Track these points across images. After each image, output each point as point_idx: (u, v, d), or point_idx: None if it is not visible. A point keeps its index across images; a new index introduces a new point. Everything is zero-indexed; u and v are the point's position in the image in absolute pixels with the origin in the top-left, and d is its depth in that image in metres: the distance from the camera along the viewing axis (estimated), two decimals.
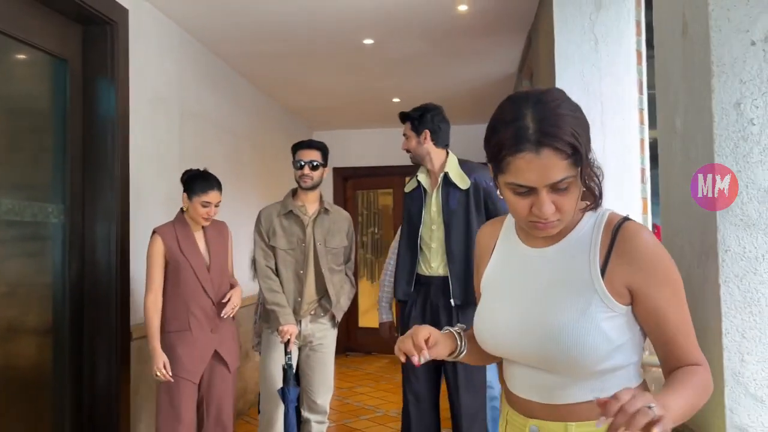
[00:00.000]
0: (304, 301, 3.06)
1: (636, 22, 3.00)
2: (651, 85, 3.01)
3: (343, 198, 7.29)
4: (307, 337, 3.09)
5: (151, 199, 3.44)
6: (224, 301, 2.89)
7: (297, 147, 3.21)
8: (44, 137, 2.89)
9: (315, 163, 3.13)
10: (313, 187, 3.15)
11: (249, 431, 4.25)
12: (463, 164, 2.90)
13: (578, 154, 1.04)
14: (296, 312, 3.04)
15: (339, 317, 3.14)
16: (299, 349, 3.12)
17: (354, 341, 7.16)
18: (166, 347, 2.75)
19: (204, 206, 2.84)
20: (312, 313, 3.09)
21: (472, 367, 2.69)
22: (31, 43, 2.69)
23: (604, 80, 2.99)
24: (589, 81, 3.00)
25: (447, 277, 2.77)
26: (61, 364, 2.88)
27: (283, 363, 2.87)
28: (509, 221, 1.27)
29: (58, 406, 2.87)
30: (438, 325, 2.79)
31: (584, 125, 1.08)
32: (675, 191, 1.39)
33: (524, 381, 1.18)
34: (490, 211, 2.79)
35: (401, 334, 2.87)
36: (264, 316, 3.09)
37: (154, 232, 2.83)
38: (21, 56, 2.73)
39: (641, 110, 3.01)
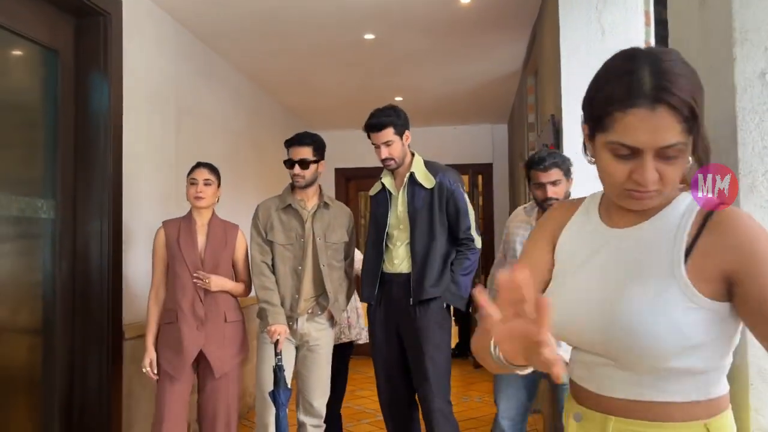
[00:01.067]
0: (302, 298, 2.93)
1: (644, 12, 2.91)
2: None
3: (345, 199, 7.20)
4: (303, 337, 2.95)
5: (146, 196, 3.36)
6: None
7: (288, 143, 3.09)
8: (34, 131, 2.81)
9: (306, 161, 2.98)
10: (308, 185, 3.01)
11: None
12: (429, 165, 2.91)
13: (695, 119, 0.92)
14: (293, 310, 2.92)
15: (338, 317, 3.01)
16: (296, 348, 3.00)
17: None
18: (158, 340, 2.78)
19: (192, 184, 2.83)
20: (309, 311, 2.95)
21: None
22: (21, 34, 2.61)
23: None
24: (596, 70, 2.91)
25: (409, 273, 2.82)
26: (50, 364, 2.79)
27: (273, 364, 2.76)
28: (590, 200, 1.14)
29: (47, 407, 2.79)
30: (401, 323, 2.79)
31: (701, 90, 0.95)
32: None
33: (584, 368, 1.05)
34: (451, 212, 2.82)
35: (369, 333, 2.91)
36: (259, 314, 2.98)
37: (162, 224, 2.87)
38: (10, 47, 2.65)
39: None
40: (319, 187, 3.10)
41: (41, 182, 2.79)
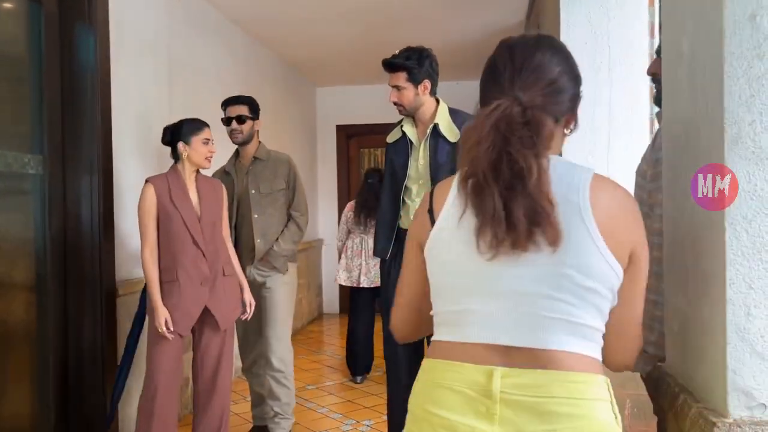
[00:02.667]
0: (242, 250, 3.16)
1: None
2: None
3: (347, 156, 7.14)
4: (253, 284, 3.16)
5: (138, 152, 3.31)
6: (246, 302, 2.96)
7: (224, 104, 3.25)
8: (19, 85, 2.75)
9: (242, 117, 3.16)
10: (245, 142, 3.20)
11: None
12: (454, 114, 2.68)
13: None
14: (243, 259, 3.15)
15: (278, 264, 3.19)
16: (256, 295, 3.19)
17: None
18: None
19: (205, 143, 2.78)
20: (250, 260, 3.19)
21: None
22: None
23: (612, 22, 2.79)
24: (597, 23, 2.80)
25: None
26: (44, 321, 2.80)
27: None
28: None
29: (43, 364, 2.80)
30: None
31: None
32: (677, 124, 1.23)
33: None
34: None
35: (384, 292, 2.83)
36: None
37: (146, 181, 2.73)
38: None
39: (652, 56, 2.81)
40: (258, 143, 3.28)
41: (27, 137, 2.75)
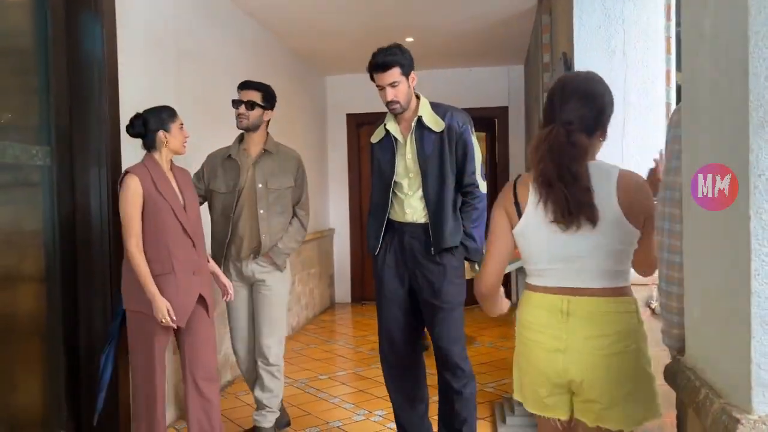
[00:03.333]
0: (243, 244, 3.11)
1: None
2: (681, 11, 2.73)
3: (357, 145, 7.09)
4: (249, 278, 3.15)
5: None
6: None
7: (239, 86, 3.19)
8: (25, 76, 2.74)
9: (253, 102, 3.10)
10: (250, 129, 3.13)
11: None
12: (435, 106, 2.72)
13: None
14: (227, 256, 3.14)
15: (279, 261, 3.15)
16: (251, 289, 3.19)
17: (368, 290, 7.07)
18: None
19: (181, 129, 2.73)
20: (252, 255, 3.13)
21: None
22: None
23: (627, 4, 2.72)
24: (611, 6, 2.74)
25: (425, 224, 2.68)
26: (55, 312, 2.80)
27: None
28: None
29: (53, 354, 2.81)
30: (414, 271, 2.68)
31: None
32: (700, 109, 1.18)
33: None
34: (459, 156, 2.66)
35: (376, 280, 2.81)
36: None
37: (126, 172, 2.61)
38: None
39: (668, 38, 2.74)
40: (267, 134, 3.21)
41: (35, 129, 2.73)
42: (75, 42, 2.84)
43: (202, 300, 2.73)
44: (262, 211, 3.10)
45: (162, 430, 2.65)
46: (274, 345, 3.16)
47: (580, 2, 2.78)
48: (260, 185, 3.10)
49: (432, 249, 2.65)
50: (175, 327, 2.62)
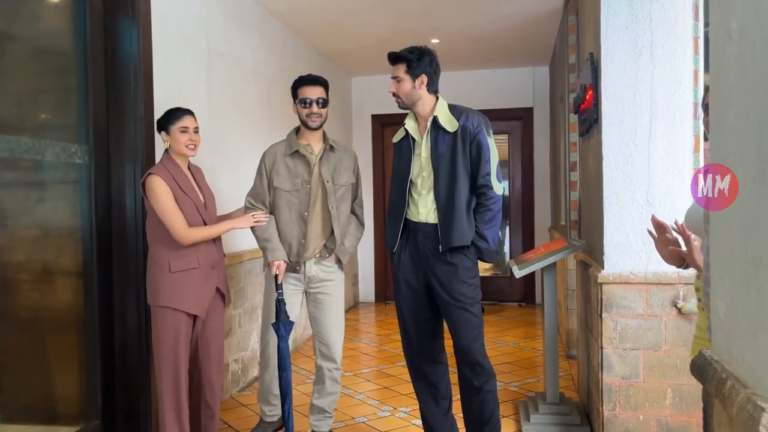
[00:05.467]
0: (309, 243, 2.98)
1: None
2: (709, 11, 2.72)
3: (381, 146, 7.15)
4: (312, 280, 3.02)
5: None
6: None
7: (300, 83, 3.02)
8: (66, 76, 2.84)
9: (325, 100, 3.00)
10: (320, 127, 3.02)
11: None
12: (453, 108, 2.77)
13: None
14: (300, 255, 2.98)
15: (344, 260, 3.08)
16: (306, 293, 3.08)
17: (391, 290, 7.11)
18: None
19: (183, 132, 2.71)
20: (317, 255, 3.02)
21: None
22: None
23: (654, 4, 2.73)
24: (639, 5, 2.75)
25: (437, 224, 2.72)
26: (91, 307, 2.89)
27: (276, 298, 2.85)
28: None
29: (89, 346, 2.90)
30: (428, 270, 2.74)
31: None
32: (727, 108, 1.20)
33: None
34: (473, 157, 2.69)
35: (394, 279, 2.85)
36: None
37: (149, 174, 2.67)
38: None
39: (696, 38, 2.74)
40: (324, 130, 3.10)
41: (74, 127, 2.83)
42: (112, 44, 2.93)
43: (218, 292, 2.83)
44: (332, 208, 3.00)
45: (187, 422, 2.74)
46: (340, 348, 3.10)
47: (608, 2, 2.79)
48: (328, 182, 2.99)
49: (440, 247, 2.69)
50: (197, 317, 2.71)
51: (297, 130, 3.07)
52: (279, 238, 2.99)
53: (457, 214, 2.67)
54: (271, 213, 3.03)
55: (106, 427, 2.92)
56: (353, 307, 7.01)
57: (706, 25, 2.72)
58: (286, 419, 2.80)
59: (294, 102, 3.04)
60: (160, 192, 2.62)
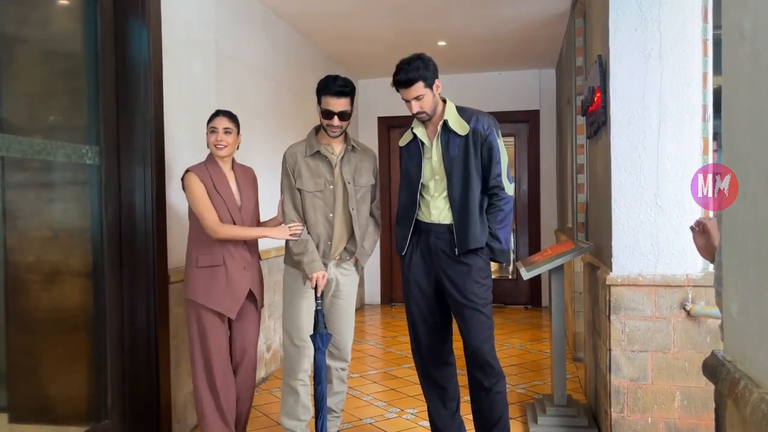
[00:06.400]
0: (334, 245, 2.94)
1: None
2: (718, 13, 2.73)
3: (387, 148, 7.16)
4: (330, 282, 2.97)
5: (189, 144, 3.39)
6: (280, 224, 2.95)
7: (325, 91, 2.86)
8: (77, 78, 2.86)
9: (347, 113, 2.86)
10: (341, 135, 2.93)
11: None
12: (461, 110, 2.77)
13: None
14: (325, 256, 2.91)
15: (363, 262, 3.05)
16: (322, 294, 3.01)
17: (397, 292, 7.12)
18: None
19: (212, 132, 2.81)
20: (338, 257, 2.97)
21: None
22: None
23: (663, 7, 2.73)
24: (647, 8, 2.75)
25: (450, 225, 2.73)
26: (100, 306, 2.91)
27: (315, 308, 2.82)
28: None
29: (100, 347, 2.91)
30: (440, 270, 2.75)
31: None
32: (740, 109, 1.21)
33: None
34: (484, 158, 2.70)
35: (404, 280, 2.86)
36: (289, 262, 2.97)
37: (187, 171, 2.80)
38: None
39: (705, 40, 2.74)
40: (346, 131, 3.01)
41: (85, 129, 2.85)
42: (123, 46, 2.95)
43: (251, 295, 2.87)
44: (353, 210, 2.93)
45: (224, 422, 2.81)
46: (349, 348, 3.11)
47: (616, 5, 2.79)
48: (349, 183, 2.93)
49: (456, 250, 2.70)
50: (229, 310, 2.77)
51: (317, 130, 2.98)
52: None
53: (471, 217, 2.68)
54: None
55: (115, 426, 2.94)
56: (359, 309, 7.01)
57: (716, 27, 2.72)
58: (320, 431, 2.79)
59: (318, 103, 2.93)
60: (194, 187, 2.74)
